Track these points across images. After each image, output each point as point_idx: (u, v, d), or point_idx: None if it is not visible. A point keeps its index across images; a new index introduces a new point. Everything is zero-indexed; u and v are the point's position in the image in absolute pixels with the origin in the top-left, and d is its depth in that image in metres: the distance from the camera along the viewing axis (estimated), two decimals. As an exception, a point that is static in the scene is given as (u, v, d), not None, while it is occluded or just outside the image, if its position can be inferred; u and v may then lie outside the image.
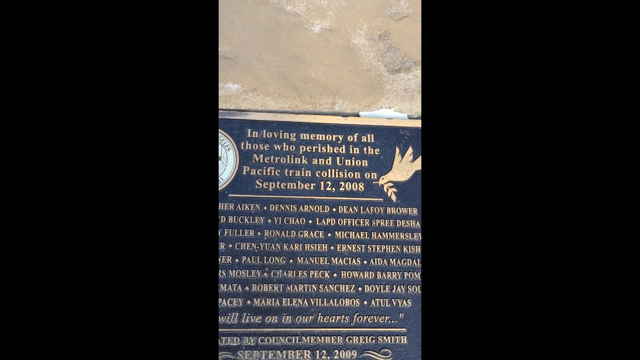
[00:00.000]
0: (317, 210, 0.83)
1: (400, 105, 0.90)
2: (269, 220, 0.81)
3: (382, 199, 0.84)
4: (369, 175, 0.85)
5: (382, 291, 0.81)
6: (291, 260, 0.80)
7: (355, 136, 0.87)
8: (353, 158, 0.86)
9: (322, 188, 0.84)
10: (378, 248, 0.82)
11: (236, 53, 0.89)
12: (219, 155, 0.83)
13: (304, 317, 0.78)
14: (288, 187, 0.83)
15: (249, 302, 0.78)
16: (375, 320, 0.79)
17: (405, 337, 0.79)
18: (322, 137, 0.86)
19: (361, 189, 0.85)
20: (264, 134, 0.85)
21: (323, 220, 0.82)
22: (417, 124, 0.89)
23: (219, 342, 0.76)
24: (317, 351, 0.78)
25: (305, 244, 0.81)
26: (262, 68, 0.89)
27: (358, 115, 0.88)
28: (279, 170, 0.84)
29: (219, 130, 0.84)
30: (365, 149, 0.86)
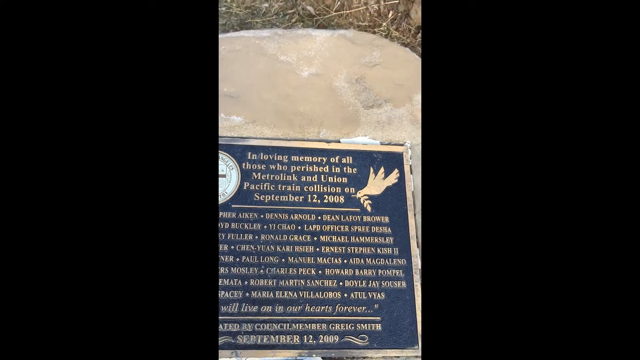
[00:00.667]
0: (305, 218, 0.99)
1: (373, 134, 1.09)
2: (265, 227, 0.97)
3: (359, 209, 1.01)
4: (348, 190, 1.03)
5: (359, 285, 0.95)
6: (283, 260, 0.95)
7: (336, 158, 1.05)
8: (335, 176, 1.04)
9: (309, 200, 1.01)
10: (356, 249, 0.98)
11: (240, 93, 1.09)
12: (225, 173, 1.01)
13: (293, 307, 0.92)
14: (281, 199, 1.00)
15: (247, 294, 0.92)
16: (354, 310, 0.94)
17: (379, 324, 0.93)
18: (309, 159, 1.04)
19: (342, 201, 1.02)
20: (261, 156, 1.03)
21: (310, 226, 0.99)
22: (388, 148, 1.08)
23: (222, 328, 0.89)
24: (305, 336, 0.91)
25: (295, 246, 0.97)
26: (260, 104, 1.09)
27: (339, 142, 1.08)
28: (274, 186, 1.01)
29: (226, 153, 1.03)
30: (345, 168, 1.05)
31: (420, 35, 2.12)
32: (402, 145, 1.08)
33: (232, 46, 1.13)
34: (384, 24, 2.14)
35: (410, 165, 1.07)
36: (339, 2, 2.16)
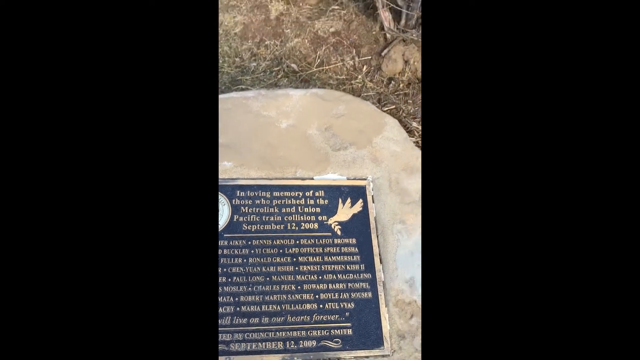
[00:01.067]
0: (285, 243, 1.19)
1: (341, 171, 1.32)
2: (252, 251, 1.17)
3: (330, 234, 1.22)
4: (321, 218, 1.24)
5: (332, 297, 1.14)
6: (267, 278, 1.14)
7: (311, 192, 1.27)
8: (310, 207, 1.25)
9: (288, 227, 1.21)
10: (329, 267, 1.17)
11: (231, 143, 1.33)
12: (218, 209, 1.22)
13: (277, 318, 1.10)
14: (265, 228, 1.20)
15: (238, 308, 1.10)
16: (329, 318, 1.11)
17: (350, 329, 1.10)
18: (288, 194, 1.26)
19: (316, 227, 1.22)
20: (248, 193, 1.25)
21: (290, 249, 1.18)
22: (353, 183, 1.30)
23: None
24: (287, 342, 1.08)
25: (277, 267, 1.16)
26: (247, 151, 1.32)
27: (312, 179, 1.30)
28: (259, 217, 1.22)
29: (219, 192, 1.24)
30: (318, 200, 1.26)
31: (392, 84, 2.41)
32: (364, 179, 1.30)
33: (224, 105, 1.38)
34: (360, 76, 2.45)
35: (372, 196, 1.28)
36: (319, 60, 2.48)
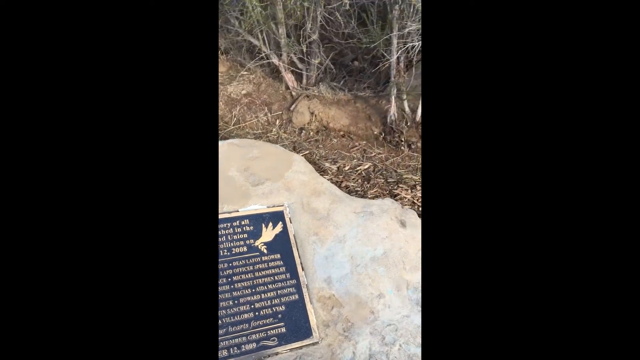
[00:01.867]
0: (220, 267, 1.39)
1: (261, 202, 1.58)
2: (192, 278, 1.34)
3: (258, 253, 1.44)
4: (249, 242, 1.46)
5: (266, 304, 1.34)
6: (208, 299, 1.32)
7: (238, 222, 1.50)
8: (238, 234, 1.47)
9: (222, 254, 1.42)
10: (260, 280, 1.38)
11: (162, 191, 1.53)
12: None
13: (220, 330, 1.27)
14: (201, 257, 1.40)
15: (184, 328, 1.25)
16: (264, 322, 1.31)
17: (284, 327, 1.31)
18: (219, 226, 1.48)
19: (245, 250, 1.44)
20: (183, 230, 1.44)
21: (224, 272, 1.38)
22: (272, 209, 1.56)
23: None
24: (231, 349, 1.25)
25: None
26: (178, 196, 1.53)
27: (238, 211, 1.53)
28: (195, 249, 1.41)
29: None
30: (244, 227, 1.49)
31: (303, 133, 2.78)
32: (282, 205, 1.57)
33: (152, 161, 1.59)
34: (274, 129, 2.80)
35: (290, 217, 1.55)
36: (235, 118, 2.80)
